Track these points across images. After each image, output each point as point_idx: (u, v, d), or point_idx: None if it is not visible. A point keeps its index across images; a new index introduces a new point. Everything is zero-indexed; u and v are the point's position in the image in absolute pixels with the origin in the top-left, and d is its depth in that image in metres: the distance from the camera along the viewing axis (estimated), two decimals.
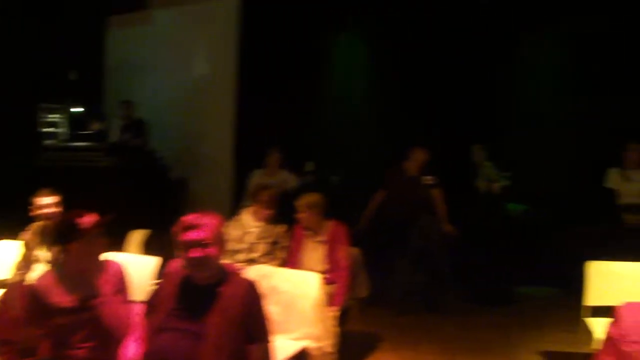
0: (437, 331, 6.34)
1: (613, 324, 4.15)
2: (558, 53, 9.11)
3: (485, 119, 8.69)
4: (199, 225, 3.10)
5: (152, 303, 3.28)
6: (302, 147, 9.00)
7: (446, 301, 7.00)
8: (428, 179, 7.06)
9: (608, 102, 8.17)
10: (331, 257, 5.21)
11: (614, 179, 7.04)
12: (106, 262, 3.48)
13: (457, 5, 8.85)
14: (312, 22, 9.41)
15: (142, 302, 3.69)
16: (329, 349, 4.44)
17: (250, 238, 5.59)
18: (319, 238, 5.32)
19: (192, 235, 3.09)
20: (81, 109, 9.86)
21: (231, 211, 6.47)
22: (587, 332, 4.78)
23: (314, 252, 5.30)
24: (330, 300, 4.79)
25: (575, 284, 5.09)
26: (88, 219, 3.32)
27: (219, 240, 3.17)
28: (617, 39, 8.36)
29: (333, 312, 4.75)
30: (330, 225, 5.35)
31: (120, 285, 3.46)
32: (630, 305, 4.17)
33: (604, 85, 8.37)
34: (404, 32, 9.19)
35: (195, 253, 3.09)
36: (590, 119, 8.37)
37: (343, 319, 5.02)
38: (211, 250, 3.11)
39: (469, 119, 8.66)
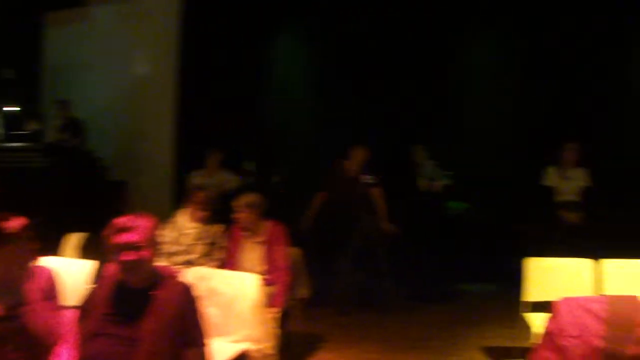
0: (379, 330, 6.35)
1: (551, 319, 4.20)
2: (494, 54, 9.29)
3: (426, 118, 8.77)
4: (132, 227, 3.02)
5: (85, 308, 3.17)
6: (243, 147, 8.94)
7: (388, 300, 7.00)
8: (368, 178, 7.05)
9: (542, 102, 8.41)
10: (270, 258, 5.15)
11: (552, 177, 7.16)
12: (36, 267, 3.34)
13: (395, 7, 8.90)
14: (253, 20, 9.35)
15: (77, 307, 3.58)
16: (270, 351, 4.38)
17: (186, 240, 5.50)
18: (258, 239, 5.25)
19: (124, 237, 3.00)
20: (17, 109, 9.57)
21: (172, 213, 6.38)
22: (526, 327, 4.83)
23: (253, 252, 5.24)
24: (270, 301, 4.75)
25: (515, 280, 5.15)
26: (15, 223, 3.17)
27: (153, 243, 3.09)
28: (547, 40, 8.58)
29: (273, 313, 4.71)
30: (269, 225, 5.29)
31: (51, 291, 3.32)
32: (567, 300, 4.22)
33: (534, 86, 8.61)
34: (344, 33, 9.20)
35: (128, 256, 3.00)
36: (528, 117, 8.59)
37: (284, 320, 4.98)
38: (144, 253, 3.02)
39: (410, 119, 8.72)
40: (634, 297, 4.33)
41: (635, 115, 8.57)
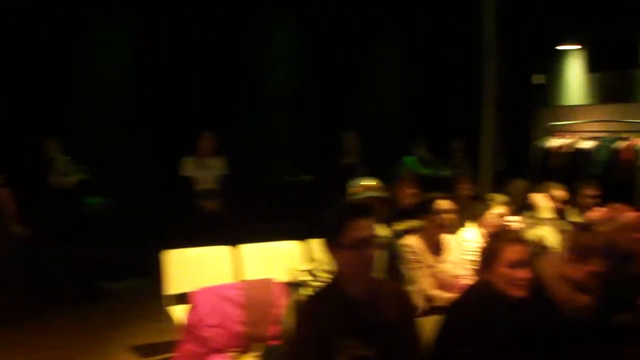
0: (17, 345, 5.72)
1: (190, 311, 4.22)
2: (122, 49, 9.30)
3: (56, 112, 8.34)
4: None
5: None
6: None
7: (24, 309, 6.39)
8: None
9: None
10: None
11: (189, 167, 7.25)
12: None
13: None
14: None
15: None
16: None
17: None
18: None
19: None
20: None
21: None
22: (172, 321, 4.80)
23: None
24: None
25: (160, 273, 5.07)
26: None
27: None
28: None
29: None
30: None
31: None
32: (203, 290, 4.29)
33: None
34: None
35: None
36: (162, 113, 8.74)
37: None
38: None
39: (39, 113, 8.19)
40: (268, 280, 4.56)
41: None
